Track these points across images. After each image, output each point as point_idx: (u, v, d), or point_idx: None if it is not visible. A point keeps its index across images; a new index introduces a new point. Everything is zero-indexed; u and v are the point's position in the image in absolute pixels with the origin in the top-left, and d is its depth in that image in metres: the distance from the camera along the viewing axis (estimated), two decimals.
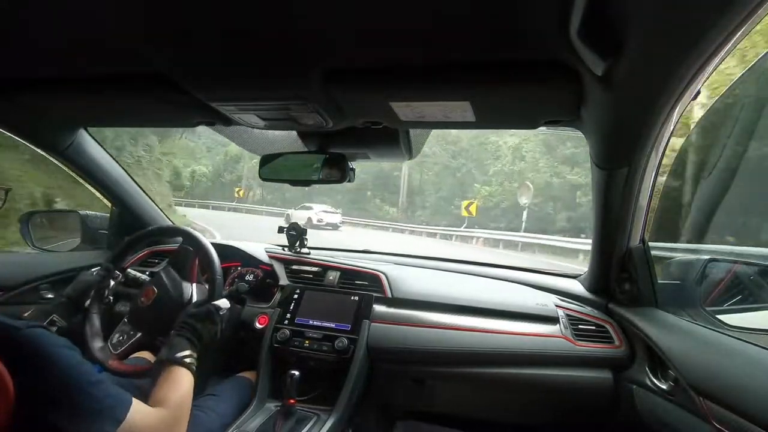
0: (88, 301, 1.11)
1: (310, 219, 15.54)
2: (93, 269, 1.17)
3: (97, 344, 1.06)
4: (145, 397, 0.74)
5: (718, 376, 0.81)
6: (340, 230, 16.10)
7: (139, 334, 1.07)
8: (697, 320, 0.99)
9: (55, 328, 1.02)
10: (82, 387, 0.60)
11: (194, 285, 1.12)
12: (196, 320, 0.95)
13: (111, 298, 1.18)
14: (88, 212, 1.66)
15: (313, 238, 1.61)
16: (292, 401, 1.09)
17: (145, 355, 1.22)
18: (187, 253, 1.17)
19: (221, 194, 27.44)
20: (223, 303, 1.03)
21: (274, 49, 0.68)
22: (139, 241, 1.24)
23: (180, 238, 1.24)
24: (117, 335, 1.09)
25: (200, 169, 30.70)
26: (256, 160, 1.20)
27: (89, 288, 1.12)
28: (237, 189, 26.96)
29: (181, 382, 0.82)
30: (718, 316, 0.99)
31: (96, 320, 1.09)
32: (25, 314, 1.00)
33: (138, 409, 0.67)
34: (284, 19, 0.60)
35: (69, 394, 0.59)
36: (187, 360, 0.86)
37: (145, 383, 1.02)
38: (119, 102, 0.97)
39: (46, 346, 0.59)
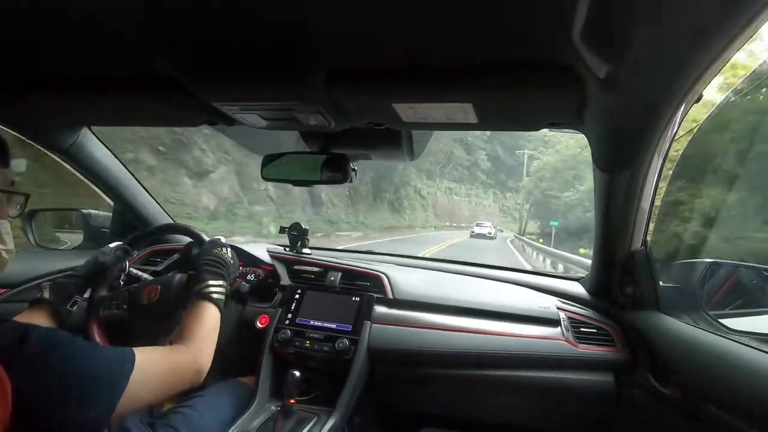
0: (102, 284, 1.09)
1: (472, 230, 25.25)
2: (110, 246, 1.14)
3: None
4: None
5: (721, 381, 0.80)
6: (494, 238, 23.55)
7: (141, 337, 1.06)
8: (700, 324, 0.99)
9: (75, 307, 1.00)
10: (79, 361, 0.60)
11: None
12: (211, 252, 0.97)
13: (122, 282, 1.16)
14: (90, 211, 1.67)
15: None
16: (292, 401, 1.09)
17: None
18: (192, 251, 1.17)
19: None
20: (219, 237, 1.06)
21: (277, 51, 0.68)
22: (154, 234, 1.24)
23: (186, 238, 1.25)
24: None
25: None
26: None
27: (105, 270, 1.09)
28: None
29: (204, 316, 0.83)
30: (721, 320, 0.99)
31: (95, 332, 1.09)
32: (46, 294, 0.96)
33: (145, 358, 0.67)
34: (288, 21, 0.60)
35: (70, 374, 0.58)
36: (212, 291, 0.88)
37: None
38: (122, 102, 0.97)
39: (31, 341, 0.58)
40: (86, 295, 1.07)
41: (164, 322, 1.04)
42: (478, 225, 25.62)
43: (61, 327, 0.95)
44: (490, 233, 24.16)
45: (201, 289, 0.88)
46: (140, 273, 1.25)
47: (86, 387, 0.59)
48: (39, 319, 0.93)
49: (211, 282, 0.89)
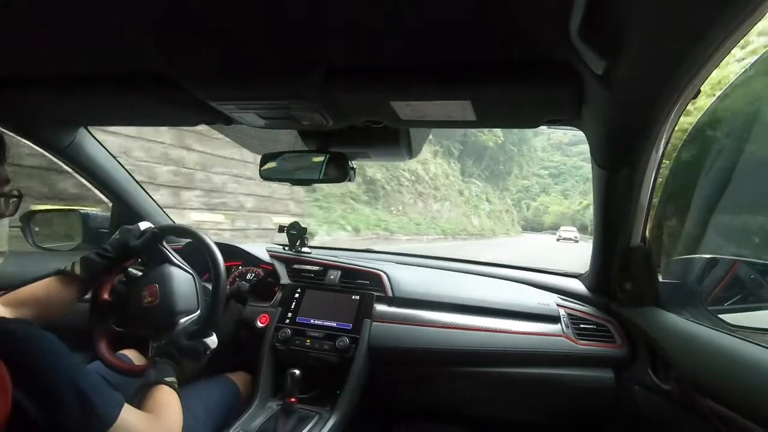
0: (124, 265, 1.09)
1: (558, 234, 28.71)
2: (140, 227, 1.10)
3: (100, 335, 1.05)
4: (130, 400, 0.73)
5: (720, 376, 0.81)
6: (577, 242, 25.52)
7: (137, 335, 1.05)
8: (699, 319, 0.99)
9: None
10: (70, 378, 0.60)
11: (197, 284, 1.11)
12: (183, 354, 0.94)
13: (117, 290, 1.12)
14: (89, 211, 1.66)
15: None
16: (293, 400, 1.09)
17: (129, 353, 1.21)
18: (193, 251, 1.16)
19: None
20: (212, 342, 1.01)
21: (274, 48, 0.68)
22: (177, 232, 1.25)
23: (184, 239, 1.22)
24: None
25: None
26: None
27: (135, 255, 1.08)
28: None
29: (171, 401, 0.82)
30: (720, 316, 0.99)
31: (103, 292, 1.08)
32: (76, 267, 0.98)
33: (131, 411, 0.67)
34: (284, 18, 0.60)
35: (57, 387, 0.58)
36: (175, 384, 0.86)
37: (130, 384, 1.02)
38: (119, 101, 0.97)
39: (35, 342, 0.59)
40: None
41: (155, 326, 1.02)
42: (564, 230, 29.58)
43: (79, 299, 0.99)
44: (575, 237, 27.37)
45: (170, 382, 0.85)
46: (139, 273, 1.25)
47: (82, 406, 0.59)
48: (62, 288, 0.96)
49: (172, 378, 0.87)
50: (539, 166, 61.07)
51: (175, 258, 1.12)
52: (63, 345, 0.63)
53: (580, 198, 47.95)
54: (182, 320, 1.02)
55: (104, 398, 0.63)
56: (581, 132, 0.92)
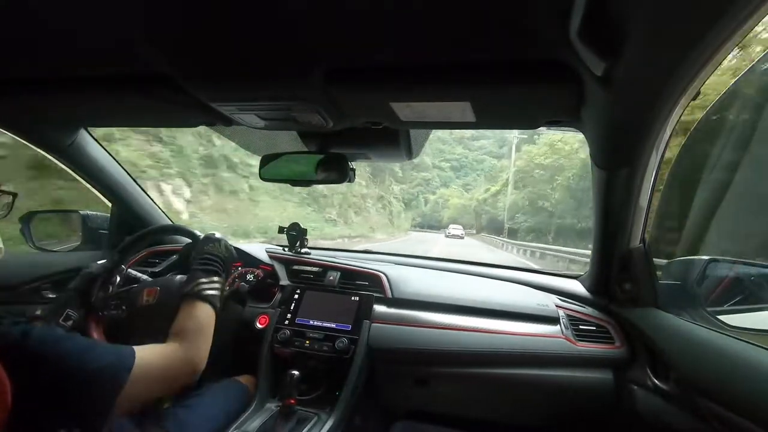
0: (94, 295, 1.08)
1: (447, 231, 32.19)
2: (99, 262, 1.12)
3: None
4: None
5: (719, 377, 0.81)
6: (462, 238, 29.36)
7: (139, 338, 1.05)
8: (698, 321, 0.99)
9: (70, 322, 1.01)
10: (80, 356, 0.61)
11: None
12: (203, 250, 0.97)
13: (116, 298, 1.14)
14: (89, 212, 1.66)
15: None
16: (292, 401, 1.09)
17: None
18: (191, 252, 1.16)
19: None
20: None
21: (274, 50, 0.68)
22: (143, 238, 1.23)
23: (184, 239, 1.23)
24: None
25: None
26: None
27: (95, 280, 1.09)
28: None
29: (196, 314, 0.84)
30: (719, 317, 0.99)
31: (93, 332, 1.07)
32: (39, 312, 0.98)
33: (143, 354, 0.69)
34: (284, 20, 0.60)
35: (71, 369, 0.59)
36: (204, 289, 0.88)
37: None
38: (119, 102, 0.97)
39: (32, 338, 0.59)
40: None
41: (162, 324, 1.02)
42: (452, 227, 33.74)
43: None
44: (462, 234, 31.73)
45: (192, 288, 0.88)
46: (139, 274, 1.25)
47: (87, 382, 0.60)
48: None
49: (203, 280, 0.89)
50: (440, 158, 60.31)
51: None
52: (59, 331, 0.64)
53: (488, 185, 45.40)
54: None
55: (109, 365, 0.64)
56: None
